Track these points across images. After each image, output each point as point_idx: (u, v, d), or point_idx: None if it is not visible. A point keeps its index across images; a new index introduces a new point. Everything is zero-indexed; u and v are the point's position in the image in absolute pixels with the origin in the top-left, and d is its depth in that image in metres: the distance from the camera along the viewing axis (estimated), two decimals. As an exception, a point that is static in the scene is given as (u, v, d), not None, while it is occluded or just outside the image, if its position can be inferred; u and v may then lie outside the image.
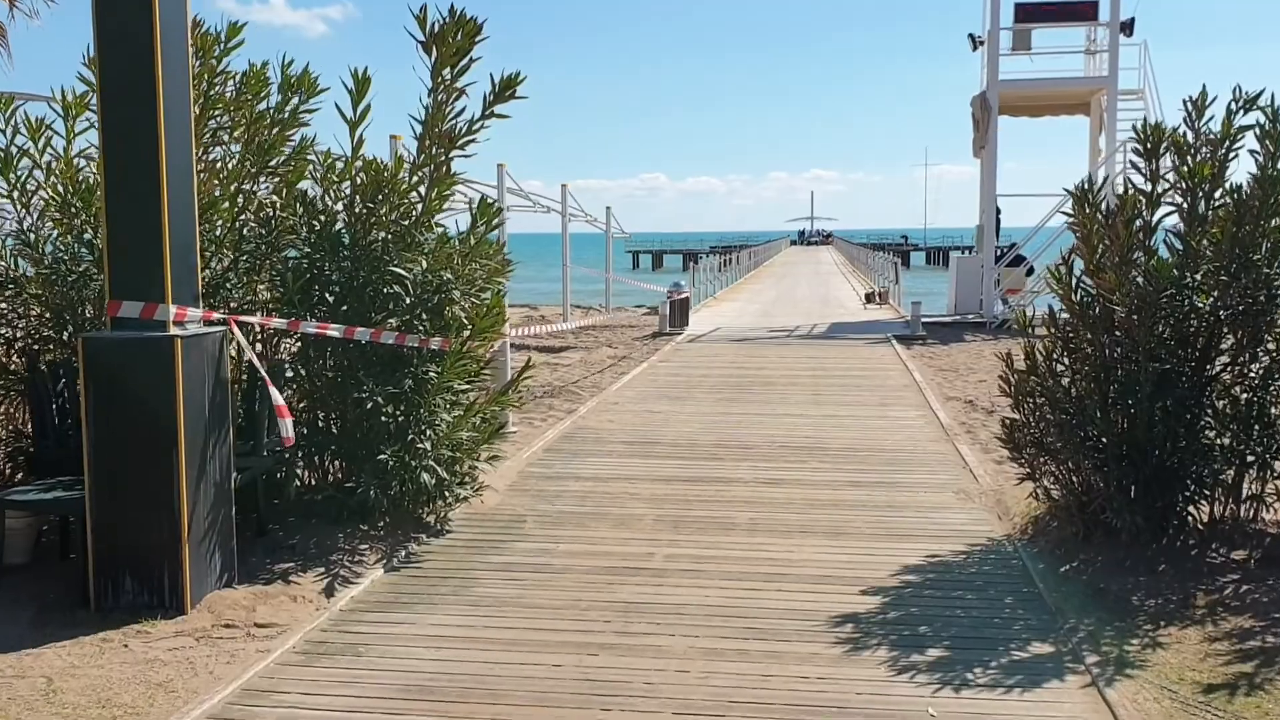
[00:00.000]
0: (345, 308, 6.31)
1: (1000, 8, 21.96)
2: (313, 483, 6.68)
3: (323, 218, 6.49)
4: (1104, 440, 6.05)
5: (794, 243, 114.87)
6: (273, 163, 6.60)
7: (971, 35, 23.54)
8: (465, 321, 6.67)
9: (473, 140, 6.58)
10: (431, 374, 6.28)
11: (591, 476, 8.24)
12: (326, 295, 6.36)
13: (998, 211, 23.18)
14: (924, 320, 20.26)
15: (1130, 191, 6.34)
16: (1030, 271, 23.03)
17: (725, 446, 9.33)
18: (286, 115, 6.76)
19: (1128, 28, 21.71)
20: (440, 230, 6.70)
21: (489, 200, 6.75)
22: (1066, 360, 6.48)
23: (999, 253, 23.22)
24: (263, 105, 6.78)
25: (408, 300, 6.25)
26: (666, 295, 20.88)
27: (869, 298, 27.87)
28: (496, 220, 6.68)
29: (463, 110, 6.61)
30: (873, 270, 39.28)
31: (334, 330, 5.98)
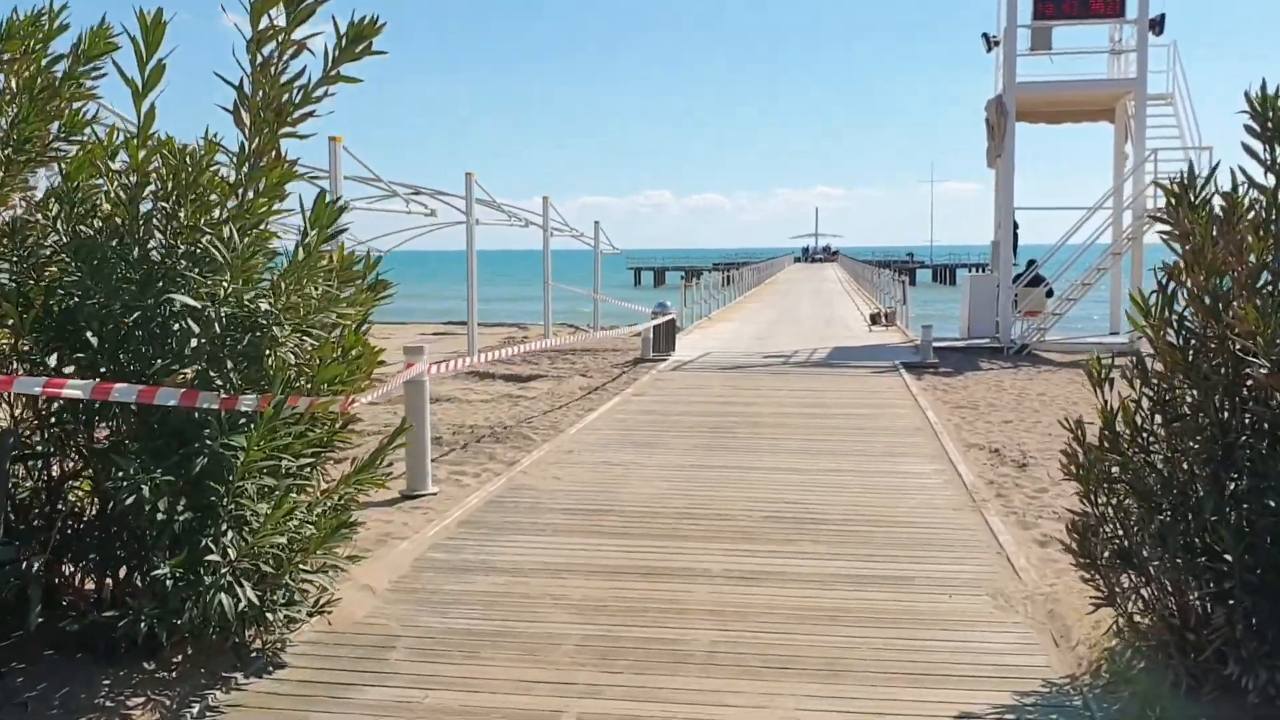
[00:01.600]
0: (113, 351, 4.36)
1: (1017, 4, 20.08)
2: (65, 601, 4.69)
3: (95, 222, 4.54)
4: (1227, 555, 4.06)
5: (798, 259, 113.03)
6: (27, 145, 4.64)
7: (986, 35, 21.63)
8: (300, 370, 4.73)
9: (311, 114, 4.64)
10: (238, 448, 4.31)
11: (509, 567, 6.25)
12: (89, 334, 4.40)
13: (1015, 226, 21.23)
14: (935, 345, 18.29)
15: (1244, 189, 4.40)
16: (1050, 293, 21.07)
17: (693, 516, 7.35)
18: (59, 80, 4.80)
19: (1157, 25, 19.78)
20: (273, 244, 4.75)
21: (329, 197, 4.79)
22: (1163, 431, 4.49)
23: (1018, 271, 21.26)
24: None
25: (196, 343, 4.28)
26: (650, 317, 18.94)
27: (874, 319, 25.93)
28: (332, 226, 4.70)
29: (303, 72, 4.67)
30: (878, 288, 37.34)
31: (72, 391, 4.03)
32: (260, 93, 4.55)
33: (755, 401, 12.97)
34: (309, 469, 4.85)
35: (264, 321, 4.43)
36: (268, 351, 4.50)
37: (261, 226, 4.63)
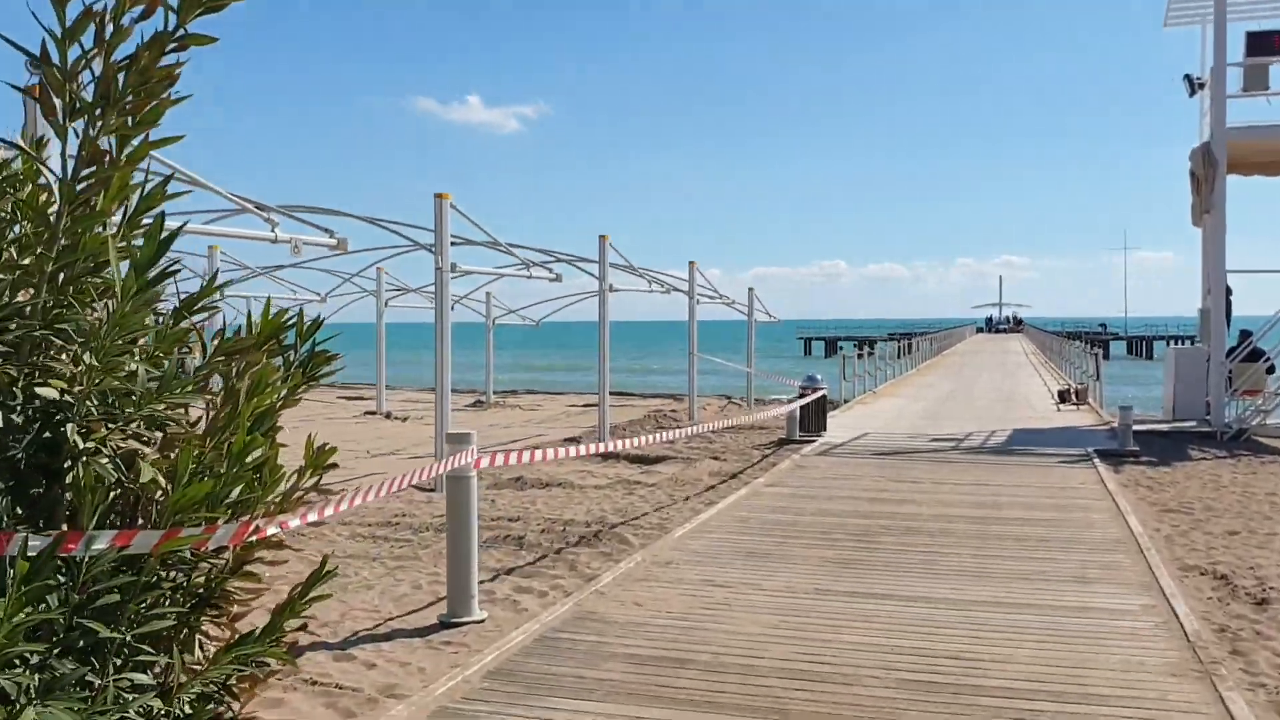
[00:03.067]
0: None
1: (1226, 41, 17.47)
2: None
3: None
4: None
5: (980, 330, 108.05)
6: None
7: (1189, 77, 19.05)
8: (159, 480, 3.10)
9: (169, 99, 3.06)
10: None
11: (522, 760, 4.45)
12: None
13: (1228, 292, 18.35)
14: (1135, 429, 15.64)
15: None
16: (1273, 369, 18.04)
17: (803, 677, 5.39)
18: None
19: None
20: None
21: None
22: None
23: (1231, 344, 18.33)
24: None
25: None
26: (798, 392, 16.95)
27: (1063, 396, 23.13)
28: (155, 265, 3.06)
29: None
30: (1066, 361, 34.13)
31: None
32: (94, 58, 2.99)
33: (912, 498, 10.83)
34: (168, 638, 3.19)
35: (57, 415, 2.81)
36: (68, 463, 2.88)
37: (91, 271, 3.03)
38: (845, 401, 24.45)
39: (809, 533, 9.00)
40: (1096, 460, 13.78)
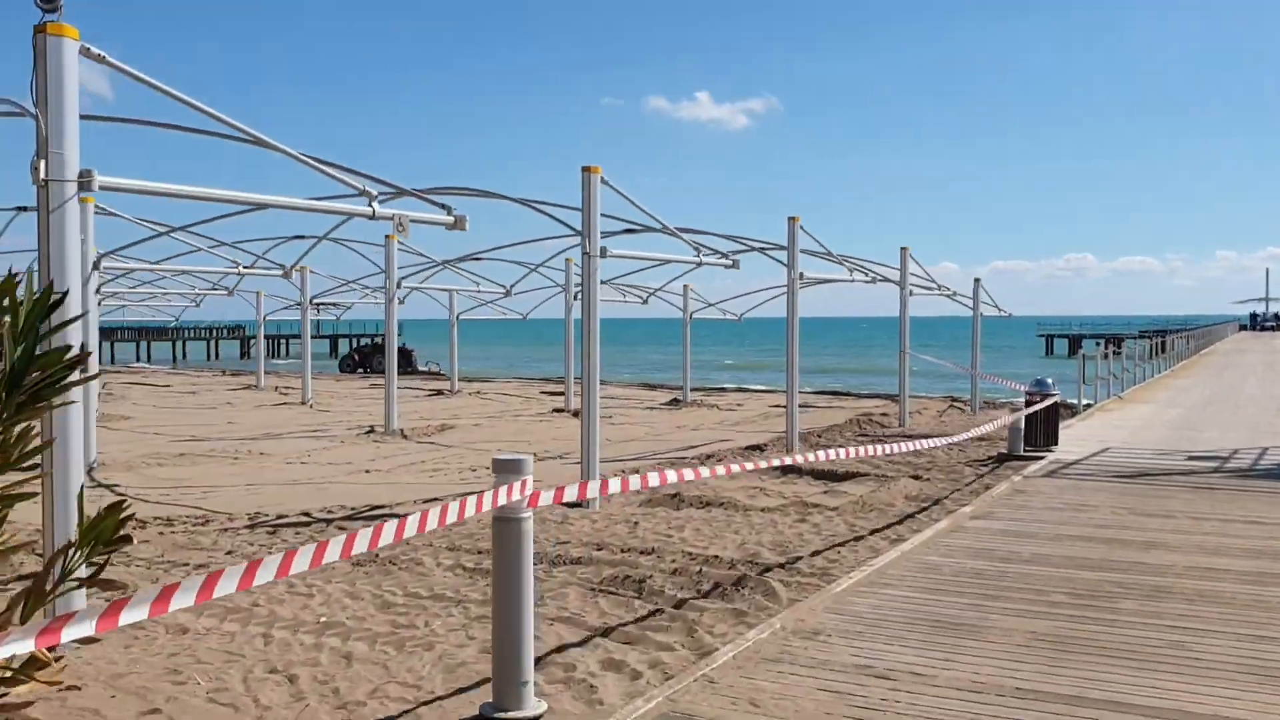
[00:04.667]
0: None
1: None
2: None
3: None
4: None
5: (1244, 327, 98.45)
6: None
7: None
8: None
9: None
10: None
11: None
12: None
13: None
14: None
15: None
16: None
17: None
18: None
19: None
20: None
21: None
22: None
23: None
24: None
25: None
26: (1024, 398, 14.44)
27: (1353, 405, 19.39)
28: None
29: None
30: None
31: None
32: None
33: (1161, 541, 8.40)
34: None
35: None
36: None
37: None
38: (1086, 408, 21.46)
39: (1018, 590, 6.83)
40: None
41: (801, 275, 15.85)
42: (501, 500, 4.69)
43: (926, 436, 16.87)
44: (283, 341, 77.72)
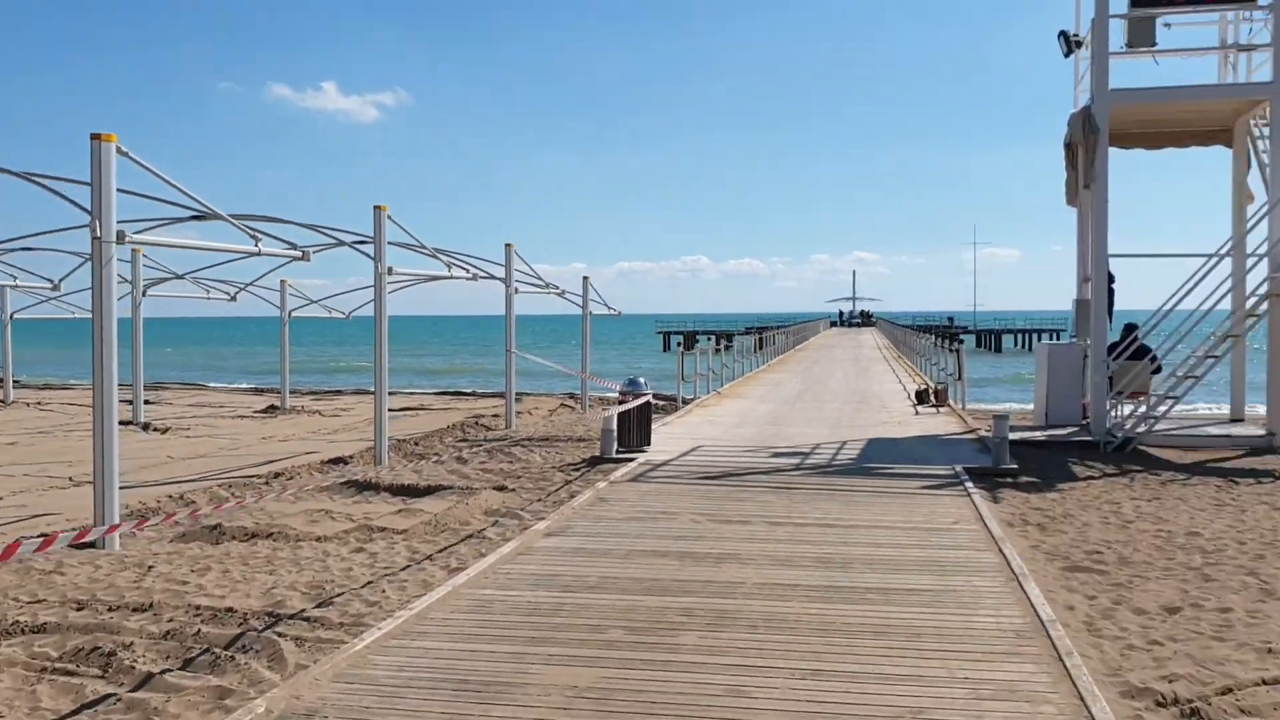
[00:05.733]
0: None
1: (1108, -11, 15.14)
2: None
3: None
4: None
5: (834, 324, 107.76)
6: None
7: (1065, 34, 16.75)
8: None
9: None
10: None
11: None
12: None
13: (1110, 280, 16.15)
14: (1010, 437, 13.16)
15: None
16: (1159, 369, 15.89)
17: None
18: None
19: (1299, 13, 14.80)
20: None
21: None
22: None
23: (1113, 339, 16.13)
24: None
25: None
26: (619, 397, 13.99)
27: (921, 397, 20.80)
28: None
29: None
30: (920, 356, 32.18)
31: None
32: None
33: (737, 553, 7.91)
34: None
35: None
36: None
37: None
38: (685, 404, 21.68)
39: (572, 628, 5.96)
40: (969, 483, 11.19)
41: (390, 270, 14.54)
42: None
43: (529, 441, 16.15)
44: None
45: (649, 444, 13.77)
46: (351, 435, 18.85)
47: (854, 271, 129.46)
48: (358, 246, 15.40)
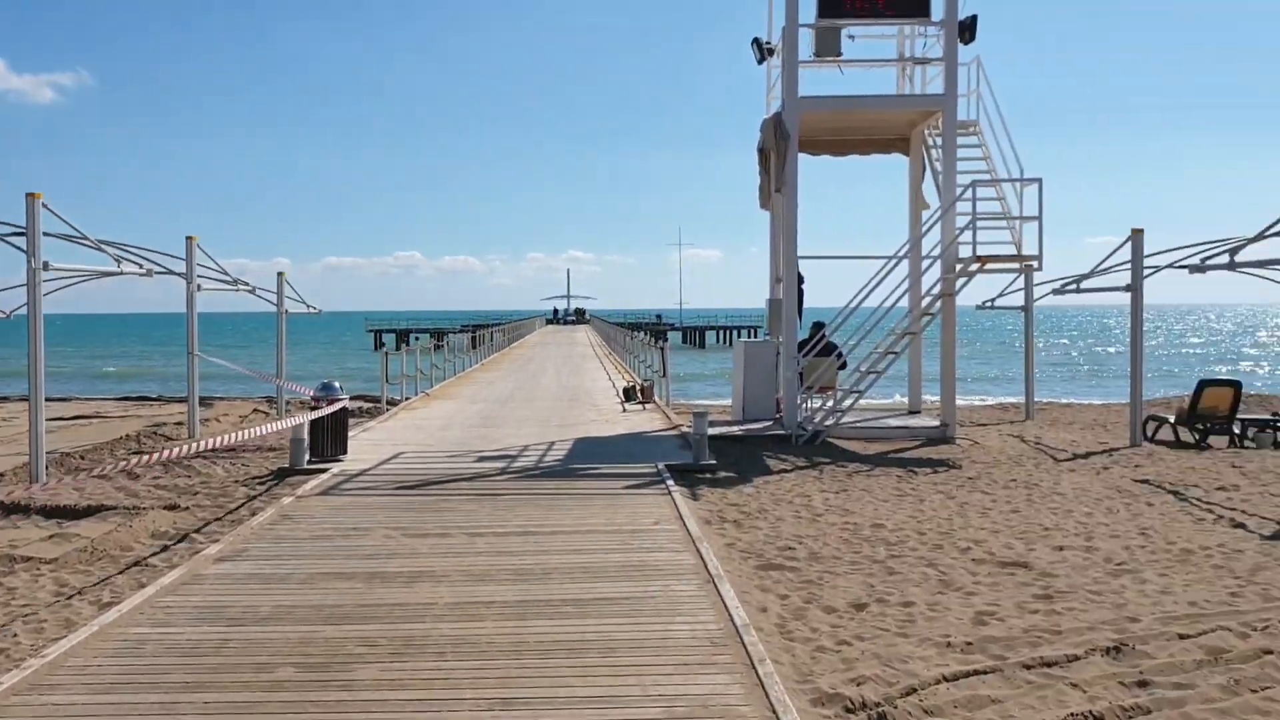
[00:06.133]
0: None
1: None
2: None
3: None
4: None
5: (550, 321, 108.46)
6: None
7: (758, 41, 17.28)
8: None
9: None
10: None
11: None
12: None
13: (800, 280, 16.82)
14: (709, 433, 13.38)
15: None
16: (844, 365, 16.71)
17: None
18: None
19: (967, 31, 15.94)
20: None
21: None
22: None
23: (802, 336, 16.80)
24: None
25: None
26: (310, 403, 13.15)
27: (628, 394, 20.99)
28: None
29: None
30: (630, 354, 32.70)
31: None
32: None
33: (431, 569, 7.46)
34: None
35: None
36: None
37: None
38: (390, 406, 20.87)
39: (236, 669, 5.33)
40: (670, 482, 11.22)
41: (47, 265, 12.99)
42: None
43: (213, 452, 14.90)
44: None
45: (345, 452, 13.02)
46: (9, 449, 16.84)
47: (569, 270, 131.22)
48: (10, 239, 13.74)
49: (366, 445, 14.29)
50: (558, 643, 5.75)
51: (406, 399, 22.08)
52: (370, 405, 25.68)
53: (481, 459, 13.08)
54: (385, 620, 6.22)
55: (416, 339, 57.16)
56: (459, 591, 6.86)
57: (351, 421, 18.23)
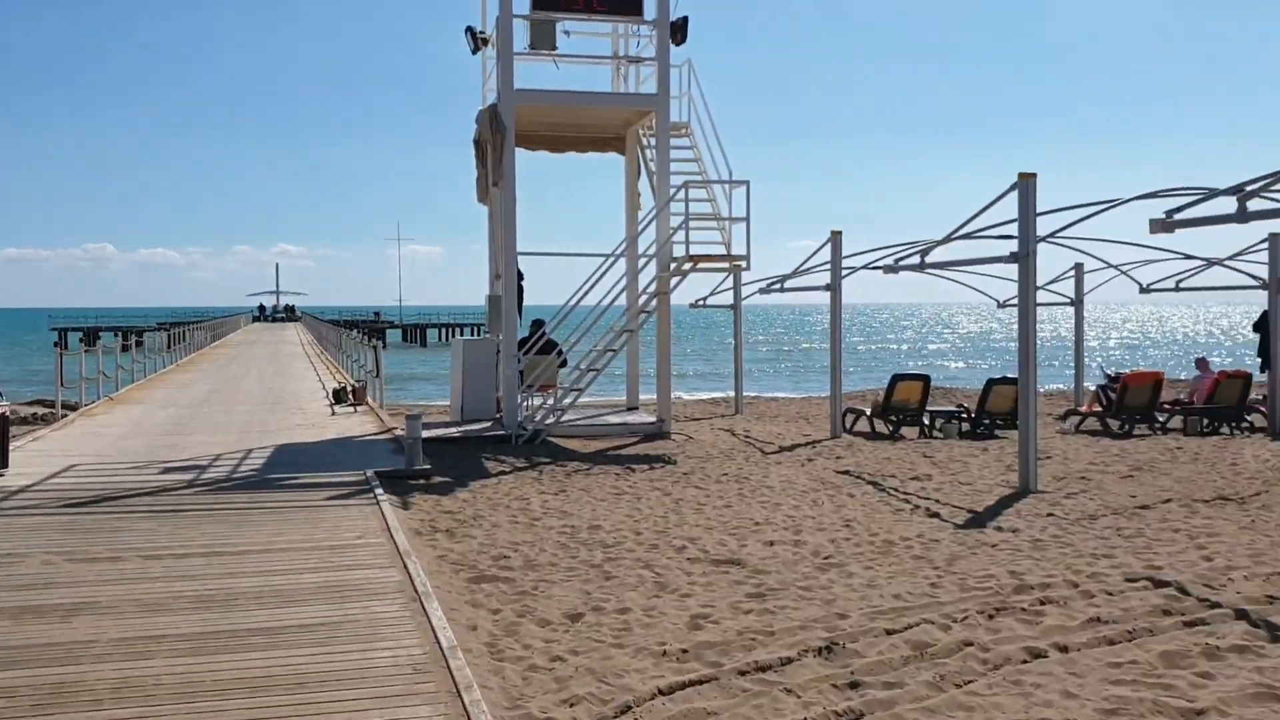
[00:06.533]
0: None
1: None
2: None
3: None
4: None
5: (256, 319, 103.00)
6: None
7: (472, 30, 16.82)
8: None
9: None
10: None
11: None
12: None
13: (520, 277, 16.51)
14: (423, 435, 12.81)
15: None
16: (565, 363, 16.55)
17: None
18: None
19: (679, 32, 16.14)
20: None
21: None
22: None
23: (523, 334, 16.49)
24: None
25: None
26: (-35, 414, 11.56)
27: (338, 396, 19.97)
28: None
29: None
30: (344, 353, 31.35)
31: None
32: None
33: (96, 600, 6.55)
34: None
35: None
36: None
37: None
38: (69, 412, 18.88)
39: None
40: (379, 490, 10.58)
41: None
42: None
43: None
44: None
45: (6, 466, 11.53)
46: None
47: (278, 265, 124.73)
48: None
49: (35, 457, 12.76)
50: (238, 680, 5.11)
51: (90, 404, 20.07)
52: (46, 411, 23.29)
53: (167, 470, 11.93)
54: (33, 664, 5.35)
55: (113, 337, 52.63)
56: (127, 625, 6.04)
57: (20, 430, 16.36)
